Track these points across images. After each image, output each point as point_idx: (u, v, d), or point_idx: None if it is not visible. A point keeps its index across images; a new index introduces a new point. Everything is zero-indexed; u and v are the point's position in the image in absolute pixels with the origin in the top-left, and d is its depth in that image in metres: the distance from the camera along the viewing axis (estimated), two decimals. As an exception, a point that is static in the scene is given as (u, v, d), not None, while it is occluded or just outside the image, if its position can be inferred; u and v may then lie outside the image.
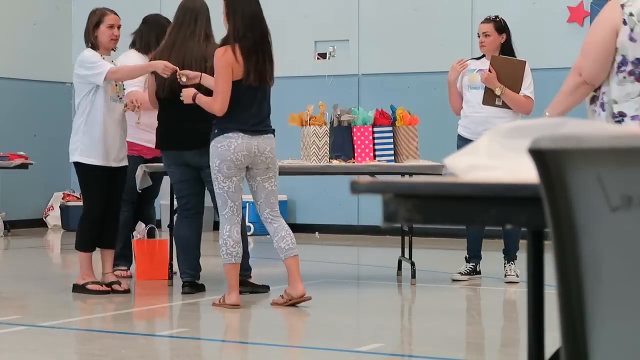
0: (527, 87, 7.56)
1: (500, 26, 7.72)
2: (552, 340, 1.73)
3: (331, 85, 12.27)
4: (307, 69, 12.49)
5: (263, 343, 5.28)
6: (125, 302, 7.02)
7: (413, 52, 12.00)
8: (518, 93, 7.49)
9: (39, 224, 13.17)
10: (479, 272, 7.86)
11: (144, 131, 7.56)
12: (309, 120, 7.69)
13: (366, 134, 7.67)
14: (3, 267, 8.30)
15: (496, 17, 7.79)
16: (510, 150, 1.69)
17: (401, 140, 7.72)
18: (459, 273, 7.80)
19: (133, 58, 7.64)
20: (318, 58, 12.52)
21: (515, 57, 7.65)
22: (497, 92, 7.43)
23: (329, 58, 12.47)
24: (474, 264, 7.84)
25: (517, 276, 7.63)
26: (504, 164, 1.69)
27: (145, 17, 8.03)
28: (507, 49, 7.70)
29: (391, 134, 7.70)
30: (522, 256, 7.51)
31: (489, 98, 7.49)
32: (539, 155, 1.39)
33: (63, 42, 13.46)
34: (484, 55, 7.83)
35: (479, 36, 7.77)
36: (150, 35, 7.71)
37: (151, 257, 7.65)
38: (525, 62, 7.58)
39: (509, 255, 7.73)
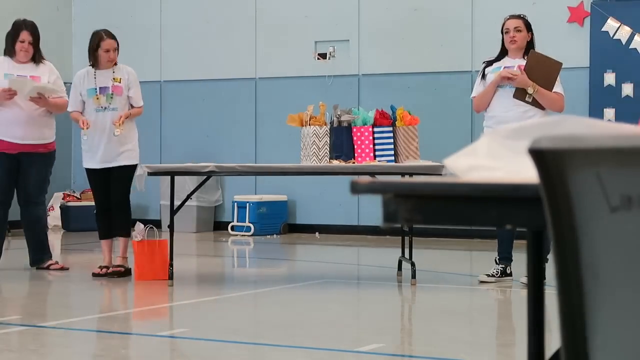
0: (557, 85, 7.43)
1: (528, 24, 7.65)
2: (552, 340, 1.73)
3: (331, 85, 12.27)
4: (307, 69, 12.49)
5: (263, 343, 5.28)
6: (126, 302, 7.02)
7: (413, 53, 12.00)
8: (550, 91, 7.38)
9: (39, 224, 13.14)
10: (510, 274, 7.61)
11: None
12: (309, 120, 7.69)
13: (366, 134, 7.67)
14: (3, 267, 8.30)
15: (522, 15, 7.73)
16: (511, 151, 1.69)
17: (401, 141, 7.71)
18: (487, 275, 7.57)
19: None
20: (318, 58, 12.52)
21: None
22: (530, 90, 7.31)
23: (329, 58, 12.47)
24: (503, 266, 7.58)
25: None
26: (504, 165, 1.69)
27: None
28: (531, 49, 7.57)
29: (391, 134, 7.70)
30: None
31: (520, 94, 7.35)
32: (539, 155, 1.39)
33: (63, 43, 13.45)
34: (503, 54, 7.64)
35: (507, 32, 7.58)
36: (7, 38, 8.58)
37: (151, 257, 7.65)
38: (561, 64, 7.44)
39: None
